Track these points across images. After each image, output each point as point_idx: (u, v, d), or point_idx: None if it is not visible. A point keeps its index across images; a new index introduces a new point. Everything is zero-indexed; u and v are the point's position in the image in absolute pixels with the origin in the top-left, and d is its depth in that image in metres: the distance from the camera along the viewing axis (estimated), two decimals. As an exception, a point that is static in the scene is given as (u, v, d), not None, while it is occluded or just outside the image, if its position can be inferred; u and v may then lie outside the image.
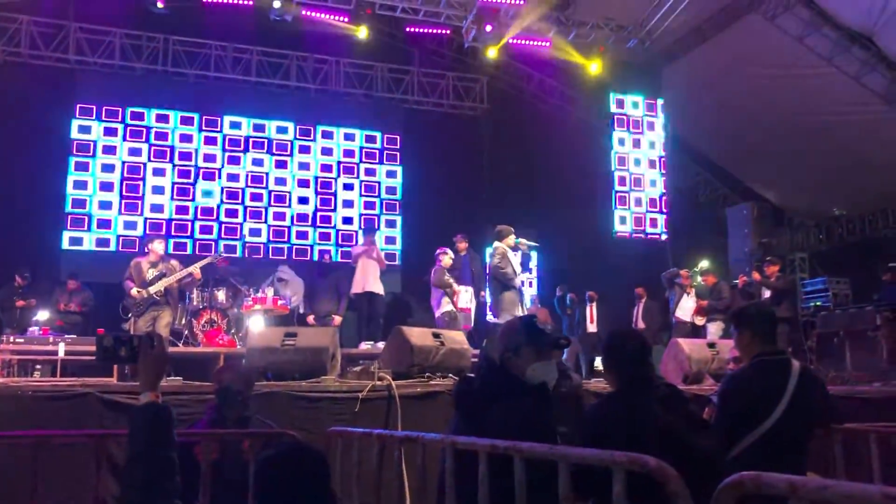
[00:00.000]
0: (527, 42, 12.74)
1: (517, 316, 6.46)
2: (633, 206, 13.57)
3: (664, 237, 13.71)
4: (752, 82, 12.82)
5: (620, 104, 13.74)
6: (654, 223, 13.68)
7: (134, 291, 8.35)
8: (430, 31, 12.81)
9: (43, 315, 10.16)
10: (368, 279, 10.32)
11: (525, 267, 9.54)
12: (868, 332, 10.14)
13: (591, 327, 11.78)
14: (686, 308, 11.01)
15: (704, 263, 12.03)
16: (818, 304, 12.29)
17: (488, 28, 11.89)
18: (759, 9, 11.83)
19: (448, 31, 13.03)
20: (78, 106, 12.76)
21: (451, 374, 6.18)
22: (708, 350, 7.42)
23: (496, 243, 8.84)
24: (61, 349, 8.81)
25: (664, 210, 13.75)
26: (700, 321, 10.80)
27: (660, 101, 13.94)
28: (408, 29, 12.81)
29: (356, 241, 13.60)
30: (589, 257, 12.95)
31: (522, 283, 9.29)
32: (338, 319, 9.89)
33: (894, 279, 11.15)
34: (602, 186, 13.58)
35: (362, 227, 13.61)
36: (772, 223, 15.48)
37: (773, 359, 3.37)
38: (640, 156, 13.75)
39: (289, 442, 2.02)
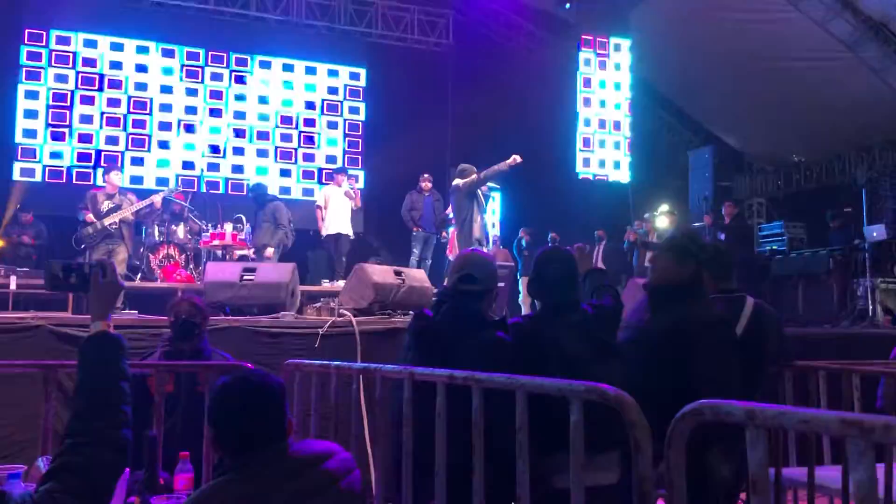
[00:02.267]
0: (494, -23, 12.47)
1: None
2: (597, 148, 13.57)
3: (627, 180, 13.77)
4: (718, 26, 12.76)
5: (588, 45, 13.59)
6: (617, 166, 13.72)
7: (89, 216, 8.19)
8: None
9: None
10: (339, 220, 10.22)
11: (483, 208, 9.43)
12: (821, 275, 10.39)
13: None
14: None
15: (664, 206, 12.12)
16: (774, 247, 12.51)
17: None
18: (728, -50, 11.71)
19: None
20: (27, 31, 12.23)
21: (412, 312, 6.19)
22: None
23: (457, 181, 8.76)
24: (13, 282, 8.62)
25: (628, 152, 13.77)
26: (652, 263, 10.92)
27: (627, 42, 13.83)
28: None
29: (318, 179, 13.46)
30: (552, 199, 12.95)
31: (483, 223, 9.22)
32: (270, 251, 9.69)
33: (843, 225, 11.40)
34: (566, 128, 13.52)
35: (323, 163, 13.43)
36: (732, 168, 15.63)
37: (727, 297, 3.43)
38: (605, 97, 13.69)
39: (245, 370, 1.98)
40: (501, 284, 8.01)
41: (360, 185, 13.53)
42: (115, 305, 1.98)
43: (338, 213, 10.27)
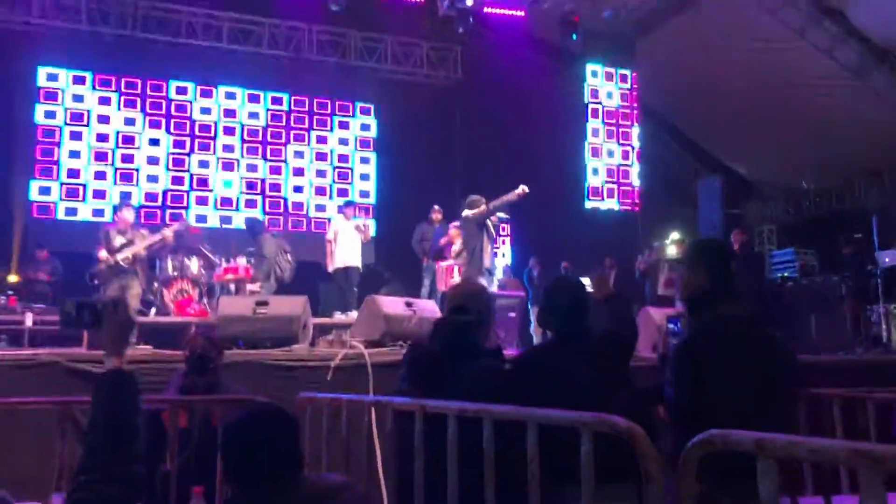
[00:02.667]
0: (501, 11, 12.63)
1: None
2: (605, 177, 13.63)
3: (636, 209, 13.80)
4: (724, 55, 12.86)
5: (595, 75, 13.71)
6: (625, 195, 13.76)
7: (102, 254, 8.26)
8: (405, -1, 12.66)
9: (13, 277, 10.05)
10: (347, 253, 10.23)
11: (492, 239, 9.45)
12: (833, 302, 10.33)
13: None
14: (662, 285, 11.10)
15: (675, 235, 12.13)
16: (785, 274, 12.47)
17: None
18: (732, -19, 11.83)
19: (422, 1, 12.87)
20: (44, 71, 12.48)
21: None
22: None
23: (466, 212, 8.78)
24: (29, 319, 8.72)
25: (636, 182, 13.82)
26: (670, 292, 10.89)
27: (633, 74, 13.94)
28: (382, -4, 12.66)
29: (329, 212, 13.55)
30: (561, 228, 12.99)
31: (495, 253, 9.25)
32: (256, 286, 9.69)
33: (855, 251, 11.35)
34: (575, 158, 13.60)
35: (334, 196, 13.56)
36: (742, 195, 15.64)
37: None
38: (613, 127, 13.77)
39: (258, 403, 2.01)
40: (512, 314, 8.05)
41: (371, 217, 13.63)
42: (129, 341, 2.01)
43: (347, 246, 10.28)
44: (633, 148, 13.87)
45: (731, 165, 16.13)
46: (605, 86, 13.78)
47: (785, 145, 14.22)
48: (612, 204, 13.61)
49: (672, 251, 11.31)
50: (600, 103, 13.73)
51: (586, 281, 10.32)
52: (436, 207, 10.95)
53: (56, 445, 2.92)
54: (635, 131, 13.94)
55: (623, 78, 13.89)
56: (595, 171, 13.60)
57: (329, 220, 13.02)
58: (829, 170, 14.55)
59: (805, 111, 13.05)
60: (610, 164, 13.69)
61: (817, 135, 13.35)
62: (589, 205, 13.53)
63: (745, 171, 16.31)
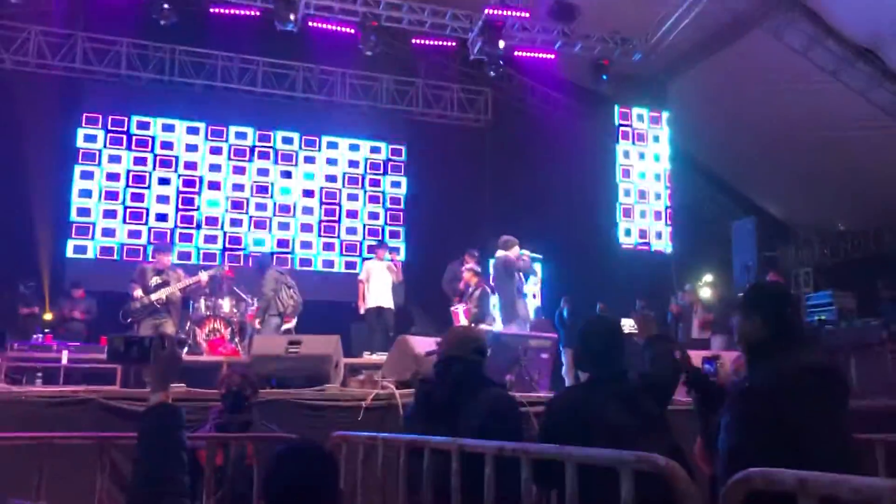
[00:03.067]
0: (532, 54, 12.77)
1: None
2: (637, 218, 13.56)
3: (669, 250, 13.68)
4: (757, 97, 12.83)
5: (625, 117, 13.75)
6: (658, 236, 13.67)
7: (137, 293, 8.37)
8: (436, 43, 12.84)
9: (49, 315, 10.20)
10: (380, 294, 10.25)
11: (528, 278, 9.46)
12: (874, 346, 10.10)
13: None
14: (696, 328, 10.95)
15: (708, 277, 11.99)
16: (823, 317, 12.24)
17: (496, 42, 11.90)
18: (763, 24, 11.84)
19: (454, 44, 13.06)
20: (84, 115, 12.83)
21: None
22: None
23: (500, 253, 8.79)
24: (65, 357, 8.82)
25: (669, 223, 13.73)
26: (706, 334, 10.74)
27: (665, 114, 13.95)
28: (414, 41, 12.85)
29: (360, 252, 13.65)
30: (593, 269, 12.92)
31: (524, 294, 9.22)
32: (256, 322, 9.64)
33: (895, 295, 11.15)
34: (607, 198, 13.58)
35: (365, 236, 13.66)
36: (776, 238, 15.45)
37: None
38: (644, 168, 13.74)
39: (298, 440, 2.01)
40: (545, 356, 7.98)
41: (401, 257, 13.67)
42: (175, 377, 2.04)
43: (379, 287, 10.32)
44: (665, 189, 13.81)
45: (765, 207, 15.98)
46: (636, 127, 13.79)
47: (820, 187, 14.07)
48: (644, 245, 13.52)
49: (706, 293, 11.18)
50: (632, 144, 13.73)
51: (628, 322, 10.24)
52: (475, 254, 10.99)
53: (96, 480, 2.94)
54: (667, 172, 13.89)
55: (655, 119, 13.89)
56: (627, 213, 13.54)
57: (360, 259, 13.13)
58: (866, 211, 14.34)
59: (839, 152, 12.93)
60: (642, 206, 13.62)
61: (853, 176, 13.20)
62: (621, 246, 13.45)
63: (780, 213, 16.15)
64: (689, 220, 14.78)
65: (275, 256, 13.25)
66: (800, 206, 15.52)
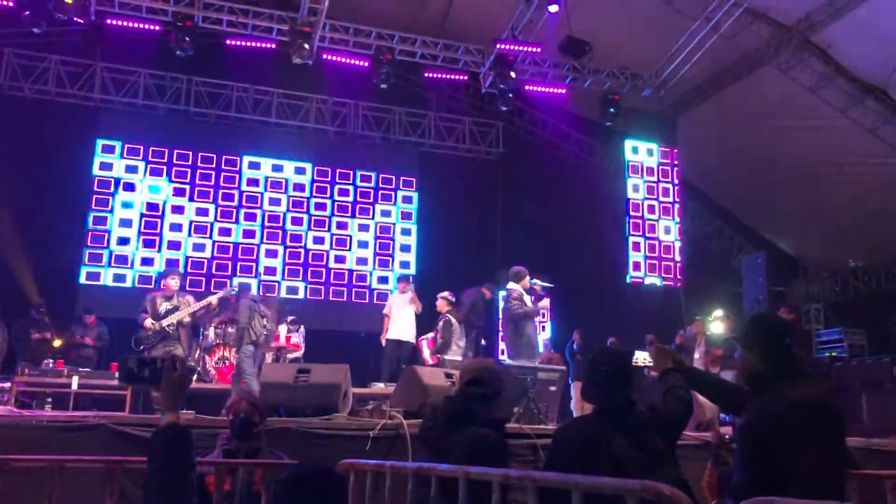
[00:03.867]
0: (542, 89, 12.91)
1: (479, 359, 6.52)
2: (646, 252, 13.56)
3: (678, 285, 13.67)
4: (766, 133, 12.91)
5: (635, 151, 13.82)
6: (668, 270, 13.65)
7: (147, 322, 8.41)
8: (448, 76, 13.01)
9: (57, 342, 10.25)
10: (401, 327, 10.27)
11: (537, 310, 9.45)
12: (885, 383, 10.04)
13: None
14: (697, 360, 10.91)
15: (718, 311, 11.96)
16: (833, 354, 12.18)
17: (507, 76, 12.05)
18: (773, 61, 11.96)
19: (465, 77, 13.23)
20: (101, 143, 13.01)
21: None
22: (722, 397, 7.33)
23: (511, 285, 8.79)
24: (75, 382, 8.87)
25: (678, 257, 13.72)
26: (715, 370, 10.68)
27: (674, 149, 14.02)
28: (426, 74, 13.02)
29: (369, 283, 13.70)
30: (603, 303, 12.92)
31: (535, 327, 9.21)
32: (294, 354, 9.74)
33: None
34: (616, 232, 13.60)
35: (375, 267, 13.73)
36: (786, 273, 15.42)
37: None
38: (654, 203, 13.77)
39: (308, 463, 2.03)
40: (553, 388, 7.95)
41: (411, 287, 13.71)
42: (185, 397, 2.08)
43: (401, 320, 10.32)
44: (674, 223, 13.83)
45: (775, 242, 15.98)
46: (646, 161, 13.85)
47: (830, 222, 14.08)
48: (654, 279, 13.50)
49: (716, 328, 11.15)
50: (641, 178, 13.78)
51: (643, 355, 10.16)
52: (492, 287, 11.02)
53: None
54: (676, 207, 13.92)
55: (664, 154, 13.96)
56: (637, 247, 13.55)
57: (369, 289, 13.21)
58: (877, 248, 14.32)
59: (849, 188, 12.96)
60: (652, 240, 13.63)
61: (863, 212, 13.22)
62: (631, 280, 13.44)
63: (790, 248, 16.14)
64: (699, 254, 14.79)
65: (285, 286, 13.38)
66: (810, 241, 15.52)
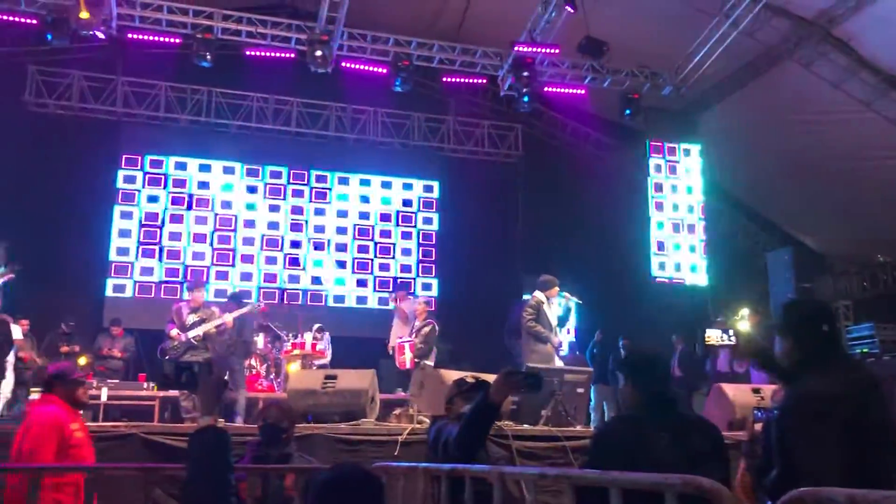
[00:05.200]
0: (561, 90, 12.87)
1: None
2: (671, 251, 13.45)
3: (704, 283, 13.54)
4: (789, 128, 12.76)
5: (657, 150, 13.73)
6: (693, 269, 13.53)
7: (174, 332, 8.46)
8: (467, 80, 13.01)
9: (83, 359, 10.35)
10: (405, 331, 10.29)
11: (563, 322, 9.25)
12: (919, 378, 9.86)
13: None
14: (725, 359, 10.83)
15: (745, 310, 11.86)
16: (865, 350, 12.00)
17: (523, 77, 12.02)
18: (794, 56, 11.82)
19: (484, 81, 13.22)
20: (123, 157, 13.16)
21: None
22: (752, 395, 7.27)
23: (536, 293, 8.67)
24: (104, 394, 8.95)
25: (703, 256, 13.60)
26: (742, 367, 10.59)
27: (696, 147, 13.92)
28: (444, 79, 13.03)
29: (393, 289, 13.72)
30: (627, 304, 12.82)
31: (554, 332, 8.99)
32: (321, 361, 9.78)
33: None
34: (640, 232, 13.50)
35: (398, 273, 13.75)
36: (813, 269, 15.21)
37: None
38: (677, 201, 13.66)
39: (346, 464, 2.02)
40: (580, 391, 7.90)
41: (434, 292, 13.77)
42: (221, 401, 2.08)
43: (400, 326, 10.36)
44: (698, 222, 13.72)
45: (801, 238, 15.78)
46: (668, 160, 13.75)
47: (856, 217, 13.88)
48: (678, 279, 13.40)
49: (744, 326, 11.05)
50: (664, 177, 13.68)
51: (716, 332, 10.02)
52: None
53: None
54: (700, 205, 13.80)
55: (686, 152, 13.85)
56: (661, 246, 13.44)
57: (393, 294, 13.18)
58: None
59: (875, 182, 12.76)
60: (676, 238, 13.52)
61: (890, 206, 13.01)
62: (655, 279, 13.33)
63: (816, 245, 15.93)
64: (724, 252, 14.63)
65: (309, 294, 13.44)
66: (836, 237, 15.30)
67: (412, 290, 11.06)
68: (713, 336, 10.78)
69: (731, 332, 10.99)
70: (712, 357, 11.22)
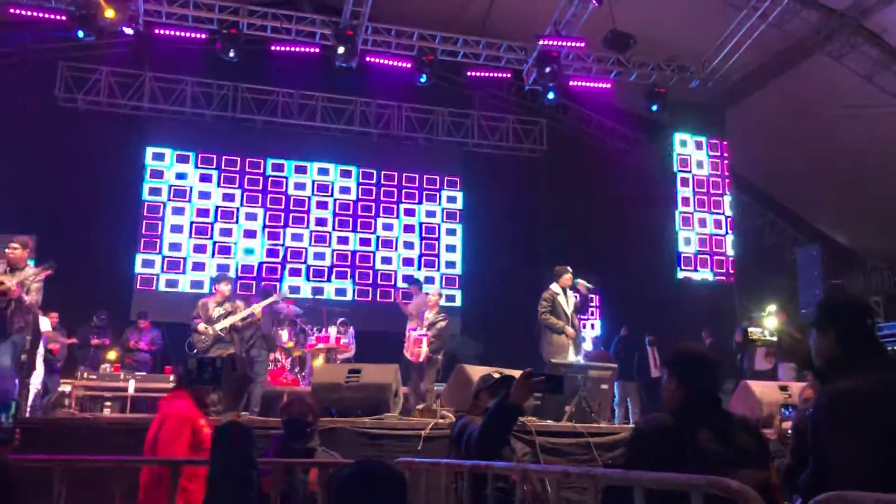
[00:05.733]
0: (587, 84, 12.77)
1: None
2: (697, 247, 13.32)
3: (731, 279, 13.39)
4: (819, 122, 12.57)
5: (683, 144, 13.59)
6: (719, 265, 13.38)
7: (201, 326, 8.53)
8: (491, 74, 12.96)
9: (112, 354, 10.49)
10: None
11: (583, 310, 9.28)
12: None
13: (655, 372, 11.45)
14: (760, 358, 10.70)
15: (772, 306, 11.70)
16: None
17: (548, 71, 11.94)
18: (824, 49, 11.64)
19: (508, 75, 13.16)
20: (151, 152, 13.27)
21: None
22: (780, 392, 7.19)
23: (550, 286, 8.73)
24: (131, 385, 9.07)
25: (730, 251, 13.45)
26: (768, 364, 10.47)
27: (724, 142, 13.75)
28: (469, 73, 12.99)
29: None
30: (652, 299, 12.72)
31: (579, 325, 9.01)
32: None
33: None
34: (666, 227, 13.38)
35: (421, 267, 13.76)
36: (842, 265, 14.98)
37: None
38: (703, 197, 13.53)
39: (368, 460, 2.03)
40: (605, 387, 7.86)
41: (458, 286, 13.80)
42: (244, 396, 2.09)
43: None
44: (725, 217, 13.56)
45: (831, 234, 15.56)
46: (695, 154, 13.59)
47: (887, 212, 13.64)
48: (705, 274, 13.25)
49: (773, 323, 10.91)
50: (690, 172, 13.52)
51: (757, 331, 9.91)
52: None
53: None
54: (727, 200, 13.64)
55: (713, 146, 13.69)
56: (687, 241, 13.29)
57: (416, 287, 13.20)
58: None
59: (907, 177, 12.55)
60: (702, 234, 13.37)
61: (922, 202, 12.79)
62: (681, 275, 13.19)
63: (846, 240, 15.70)
64: (751, 248, 14.48)
65: (333, 288, 13.50)
66: (866, 232, 15.06)
67: (417, 284, 10.98)
68: (755, 332, 10.64)
69: (770, 331, 10.84)
70: (748, 354, 11.05)
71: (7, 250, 6.93)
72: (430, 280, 13.79)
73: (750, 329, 10.70)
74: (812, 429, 2.56)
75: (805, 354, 3.16)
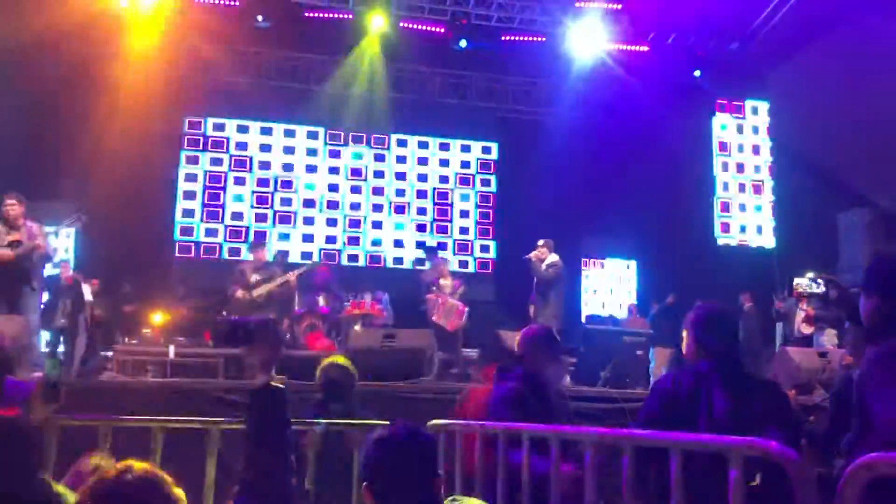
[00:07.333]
0: (624, 47, 12.54)
1: None
2: (737, 213, 13.10)
3: (771, 245, 13.17)
4: (867, 82, 12.20)
5: (723, 108, 13.32)
6: (759, 231, 13.17)
7: (238, 293, 8.63)
8: (526, 38, 12.78)
9: (155, 322, 10.69)
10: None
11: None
12: None
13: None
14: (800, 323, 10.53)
15: (810, 273, 11.48)
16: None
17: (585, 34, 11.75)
18: (871, 6, 11.27)
19: (542, 39, 12.96)
20: (187, 120, 13.35)
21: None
22: (819, 359, 7.09)
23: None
24: (171, 351, 9.22)
25: (771, 217, 13.21)
26: (808, 329, 10.30)
27: (765, 105, 13.45)
28: (503, 37, 12.82)
29: (454, 250, 13.76)
30: (691, 266, 12.57)
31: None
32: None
33: None
34: (704, 193, 13.18)
35: (455, 235, 13.75)
36: (888, 231, 14.62)
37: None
38: (744, 161, 13.28)
39: (400, 423, 2.04)
40: (640, 353, 7.84)
41: (492, 254, 13.75)
42: (278, 359, 2.11)
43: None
44: (765, 182, 13.30)
45: (876, 199, 15.17)
46: (735, 119, 13.33)
47: (935, 177, 13.27)
48: (744, 241, 13.05)
49: (812, 287, 10.70)
50: (729, 137, 13.28)
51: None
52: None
53: (207, 462, 3.05)
54: (768, 164, 13.37)
55: (754, 110, 13.40)
56: (726, 207, 13.09)
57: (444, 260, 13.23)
58: None
59: (957, 139, 12.16)
60: (742, 199, 13.15)
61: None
62: (721, 241, 13.01)
63: (890, 204, 15.31)
64: (792, 213, 14.19)
65: (368, 256, 13.57)
66: (912, 197, 14.67)
67: (432, 251, 10.97)
68: (802, 284, 10.42)
69: (821, 281, 10.62)
70: (789, 321, 10.88)
71: (6, 207, 6.99)
72: (463, 247, 13.77)
73: (796, 280, 10.50)
74: (858, 386, 2.52)
75: (852, 308, 3.09)
